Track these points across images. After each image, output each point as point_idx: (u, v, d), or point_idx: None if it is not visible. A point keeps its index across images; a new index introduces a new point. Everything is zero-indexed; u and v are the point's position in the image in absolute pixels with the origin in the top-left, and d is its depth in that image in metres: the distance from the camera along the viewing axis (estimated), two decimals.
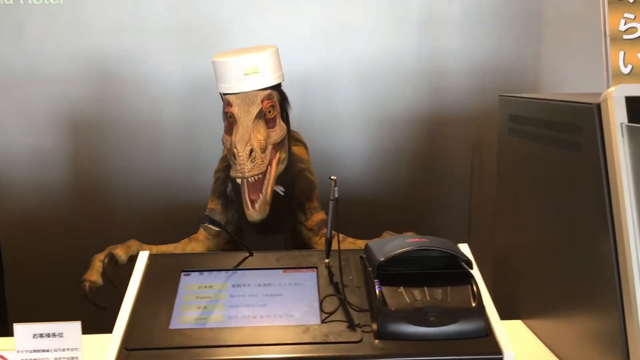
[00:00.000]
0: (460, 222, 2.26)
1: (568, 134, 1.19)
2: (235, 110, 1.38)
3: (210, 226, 1.32)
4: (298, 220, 1.59)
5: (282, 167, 1.47)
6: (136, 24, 2.03)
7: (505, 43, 2.14)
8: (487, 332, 1.12)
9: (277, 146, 1.43)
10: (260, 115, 1.38)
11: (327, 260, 1.26)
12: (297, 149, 1.64)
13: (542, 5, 2.13)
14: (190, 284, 1.26)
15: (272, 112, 1.42)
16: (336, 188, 1.16)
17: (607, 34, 1.31)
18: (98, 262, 1.42)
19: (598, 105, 1.08)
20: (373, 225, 1.63)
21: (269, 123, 1.41)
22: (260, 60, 1.42)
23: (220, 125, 1.49)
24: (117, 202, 2.11)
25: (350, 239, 1.56)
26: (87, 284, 1.40)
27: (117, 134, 2.09)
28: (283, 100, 1.51)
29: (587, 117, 1.10)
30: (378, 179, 2.21)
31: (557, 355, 1.28)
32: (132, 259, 1.44)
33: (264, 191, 1.37)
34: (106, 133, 2.09)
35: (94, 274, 1.40)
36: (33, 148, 2.08)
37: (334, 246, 1.22)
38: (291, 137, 1.57)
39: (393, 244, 1.19)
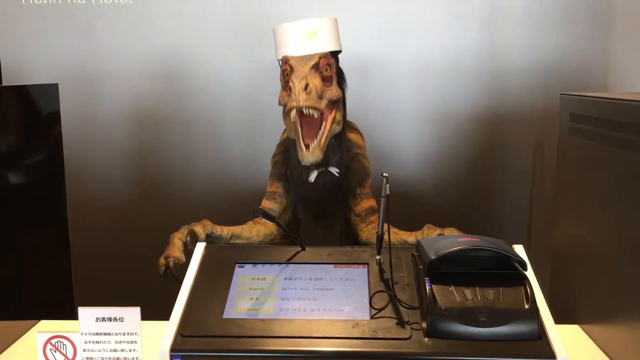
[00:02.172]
0: (520, 224, 2.21)
1: (629, 133, 1.15)
2: (292, 63, 1.40)
3: (264, 220, 1.34)
4: (348, 205, 1.60)
5: (337, 127, 1.46)
6: (199, 22, 2.09)
7: (570, 40, 2.07)
8: (540, 335, 1.10)
9: (332, 104, 1.43)
10: (317, 67, 1.39)
11: (378, 257, 1.27)
12: (353, 136, 1.64)
13: (610, 0, 2.05)
14: (244, 276, 1.29)
15: (328, 70, 1.42)
16: (388, 185, 1.17)
17: None
18: (178, 239, 1.44)
19: None
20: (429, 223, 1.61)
21: (325, 81, 1.41)
22: (319, 25, 1.45)
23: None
24: (179, 193, 2.18)
25: (394, 229, 1.53)
26: (172, 261, 1.40)
27: (179, 128, 2.16)
28: (339, 72, 1.51)
29: None
30: (435, 177, 2.18)
31: None
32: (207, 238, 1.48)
33: (318, 137, 1.38)
34: (169, 127, 2.16)
35: (177, 251, 1.41)
36: (102, 140, 2.17)
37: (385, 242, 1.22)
38: (347, 125, 1.57)
39: (445, 243, 1.18)
